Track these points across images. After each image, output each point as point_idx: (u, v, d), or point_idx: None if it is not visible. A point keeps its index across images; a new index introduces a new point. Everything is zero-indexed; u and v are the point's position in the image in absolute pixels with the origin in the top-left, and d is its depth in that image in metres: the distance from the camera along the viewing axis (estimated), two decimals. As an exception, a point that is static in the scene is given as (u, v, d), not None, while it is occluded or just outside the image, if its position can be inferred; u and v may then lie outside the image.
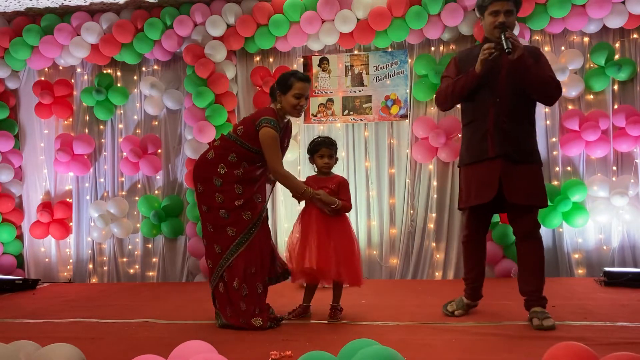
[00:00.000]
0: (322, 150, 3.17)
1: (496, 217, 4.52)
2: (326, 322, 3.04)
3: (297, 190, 3.02)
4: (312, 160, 3.25)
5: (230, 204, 2.99)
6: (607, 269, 4.15)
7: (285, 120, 3.16)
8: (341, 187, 3.16)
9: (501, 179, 2.83)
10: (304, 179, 3.28)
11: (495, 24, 2.79)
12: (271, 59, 5.16)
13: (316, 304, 3.25)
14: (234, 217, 3.00)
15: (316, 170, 3.26)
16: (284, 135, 3.15)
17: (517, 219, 2.92)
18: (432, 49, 4.89)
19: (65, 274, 5.44)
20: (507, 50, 2.69)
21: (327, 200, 3.01)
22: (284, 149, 3.15)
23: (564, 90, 4.57)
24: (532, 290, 2.85)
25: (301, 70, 5.05)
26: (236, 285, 2.95)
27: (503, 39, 2.71)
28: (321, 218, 3.08)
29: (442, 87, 3.06)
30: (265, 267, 3.09)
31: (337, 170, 4.89)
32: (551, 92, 2.84)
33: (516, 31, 4.42)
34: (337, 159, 3.28)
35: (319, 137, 3.30)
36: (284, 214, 5.07)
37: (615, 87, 4.65)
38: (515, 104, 2.83)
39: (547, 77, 2.81)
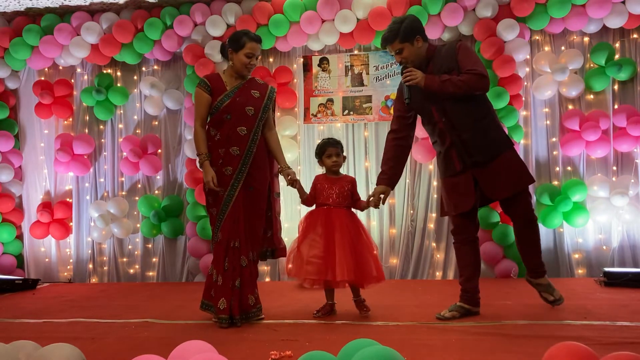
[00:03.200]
0: (329, 150, 3.23)
1: (496, 217, 4.52)
2: (328, 322, 3.04)
3: (197, 151, 3.15)
4: (321, 162, 3.31)
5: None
6: (607, 269, 4.15)
7: (241, 81, 3.18)
8: (353, 186, 3.25)
9: (477, 184, 2.98)
10: (304, 179, 3.31)
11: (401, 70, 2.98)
12: (271, 59, 5.15)
13: (318, 303, 3.25)
14: (211, 193, 3.12)
15: (325, 170, 3.32)
16: (241, 92, 3.14)
17: (510, 208, 3.05)
18: (432, 49, 4.89)
19: (65, 274, 5.44)
20: (406, 101, 2.94)
21: (207, 177, 3.06)
22: (237, 105, 3.10)
23: (564, 90, 4.60)
24: (539, 263, 3.11)
25: (301, 70, 5.06)
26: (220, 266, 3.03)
27: (404, 89, 2.96)
28: (326, 219, 3.13)
29: (386, 142, 3.20)
30: (250, 243, 3.11)
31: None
32: (477, 87, 2.87)
33: (515, 32, 4.44)
34: (345, 157, 3.33)
35: (322, 139, 3.37)
36: (284, 213, 5.05)
37: (616, 87, 4.65)
38: (460, 114, 2.93)
39: (465, 79, 2.83)
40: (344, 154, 3.35)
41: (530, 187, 4.59)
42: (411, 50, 2.96)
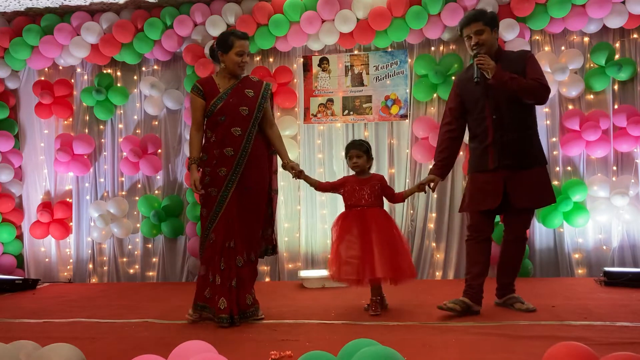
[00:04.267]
0: (351, 151, 3.34)
1: (496, 218, 4.51)
2: (328, 322, 3.04)
3: (189, 154, 3.20)
4: (349, 164, 3.40)
5: (202, 178, 3.17)
6: (607, 269, 4.15)
7: (235, 81, 3.20)
8: (383, 184, 3.33)
9: (505, 187, 3.05)
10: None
11: (472, 48, 3.04)
12: (271, 59, 5.15)
13: (318, 303, 3.24)
14: (204, 196, 3.15)
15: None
16: (234, 93, 3.16)
17: (513, 221, 3.19)
18: (432, 49, 4.89)
19: (65, 274, 5.44)
20: (475, 79, 2.96)
21: (190, 180, 3.15)
22: (231, 106, 3.11)
23: (564, 90, 4.60)
24: (511, 282, 3.24)
25: (301, 70, 5.06)
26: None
27: (475, 68, 2.98)
28: (361, 220, 3.19)
29: (439, 134, 3.31)
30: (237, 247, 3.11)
31: (338, 170, 4.94)
32: (538, 96, 3.00)
33: (515, 32, 4.45)
34: (370, 159, 3.38)
35: (352, 140, 3.51)
36: (284, 213, 5.07)
37: (616, 87, 4.65)
38: (511, 115, 3.03)
39: (531, 84, 2.95)
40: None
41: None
42: (490, 37, 3.05)
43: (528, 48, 4.60)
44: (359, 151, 3.30)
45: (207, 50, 4.83)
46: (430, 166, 4.79)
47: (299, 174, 3.24)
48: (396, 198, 3.39)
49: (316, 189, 3.42)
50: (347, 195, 3.31)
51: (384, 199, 3.35)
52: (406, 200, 4.81)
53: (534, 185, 3.06)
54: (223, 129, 3.10)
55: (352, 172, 3.42)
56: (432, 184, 3.23)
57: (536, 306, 3.13)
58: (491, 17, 3.09)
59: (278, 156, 3.33)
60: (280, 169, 3.38)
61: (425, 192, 3.34)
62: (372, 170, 4.88)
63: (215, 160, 3.10)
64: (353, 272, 3.10)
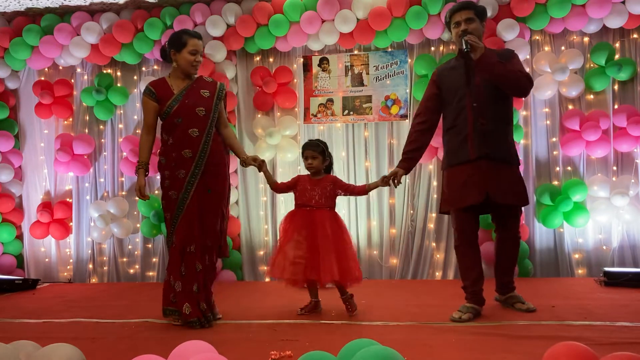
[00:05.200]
0: (305, 152, 3.30)
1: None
2: (328, 322, 3.04)
3: (138, 158, 3.15)
4: (305, 164, 3.35)
5: (161, 182, 3.15)
6: (607, 269, 4.16)
7: (189, 82, 3.15)
8: (337, 184, 3.28)
9: (486, 180, 2.96)
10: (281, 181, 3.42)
11: (459, 34, 2.99)
12: (271, 59, 5.15)
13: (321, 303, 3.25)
14: (165, 197, 3.11)
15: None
16: (189, 94, 3.11)
17: (503, 223, 3.15)
18: (432, 49, 4.89)
19: (65, 274, 5.44)
20: (465, 49, 2.89)
21: (136, 186, 3.13)
22: (187, 107, 3.07)
23: (564, 90, 4.60)
24: (509, 280, 3.20)
25: (301, 70, 5.06)
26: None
27: (463, 41, 2.91)
28: (309, 221, 3.16)
29: (410, 128, 3.26)
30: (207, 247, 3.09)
31: (338, 170, 4.93)
32: (521, 84, 2.94)
33: (515, 32, 4.44)
34: (326, 160, 3.31)
35: (309, 140, 3.42)
36: (284, 213, 5.05)
37: (616, 87, 4.65)
38: (492, 106, 2.98)
39: (516, 72, 2.93)
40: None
41: (531, 188, 4.67)
42: (478, 27, 3.04)
43: (528, 48, 4.61)
44: (314, 152, 3.25)
45: (212, 47, 4.84)
46: (431, 166, 4.82)
47: (261, 163, 3.18)
48: (357, 191, 3.32)
49: (272, 188, 3.41)
50: (298, 194, 3.29)
51: (349, 195, 3.33)
52: (406, 200, 4.85)
53: (513, 182, 3.04)
54: (180, 131, 3.05)
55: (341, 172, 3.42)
56: (395, 179, 3.14)
57: (536, 306, 3.13)
58: (482, 9, 3.10)
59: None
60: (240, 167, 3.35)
61: (390, 186, 3.24)
62: (372, 170, 4.94)
63: (173, 162, 3.05)
64: (300, 272, 3.09)
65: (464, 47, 2.89)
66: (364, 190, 3.34)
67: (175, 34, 3.17)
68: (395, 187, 3.20)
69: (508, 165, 3.03)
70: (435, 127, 3.21)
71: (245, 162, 3.20)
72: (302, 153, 3.33)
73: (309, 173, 3.35)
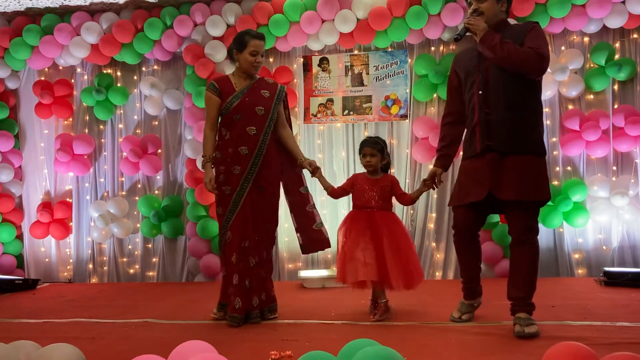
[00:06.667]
0: (364, 149, 3.18)
1: (496, 217, 4.51)
2: (328, 322, 3.04)
3: (204, 152, 3.19)
4: (362, 162, 3.25)
5: (216, 177, 3.16)
6: (607, 269, 4.15)
7: (250, 81, 3.20)
8: (395, 186, 3.19)
9: (490, 175, 2.68)
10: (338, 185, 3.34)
11: (470, 14, 2.76)
12: (271, 59, 5.15)
13: (318, 303, 3.24)
14: (218, 192, 3.13)
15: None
16: (250, 93, 3.15)
17: (511, 220, 2.74)
18: (432, 49, 4.89)
19: (65, 274, 5.44)
20: (455, 36, 2.75)
21: (206, 179, 3.11)
22: (247, 105, 3.11)
23: (564, 90, 4.60)
24: (520, 297, 2.68)
25: (301, 70, 5.06)
26: (234, 259, 3.05)
27: (462, 29, 2.74)
28: (371, 223, 3.07)
29: (441, 120, 3.07)
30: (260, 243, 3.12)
31: (338, 170, 4.94)
32: (531, 65, 2.61)
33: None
34: (384, 158, 3.21)
35: (367, 136, 3.29)
36: (284, 213, 5.06)
37: (616, 87, 4.65)
38: (500, 92, 2.69)
39: (524, 51, 2.60)
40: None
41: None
42: (492, 6, 2.72)
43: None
44: (373, 149, 3.13)
45: (212, 47, 4.85)
46: (431, 166, 4.82)
47: (315, 169, 3.19)
48: (405, 200, 3.19)
49: (328, 193, 3.28)
50: (356, 195, 3.18)
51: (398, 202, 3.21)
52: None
53: (522, 173, 2.62)
54: (238, 128, 3.11)
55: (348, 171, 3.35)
56: (435, 178, 3.00)
57: (536, 306, 3.07)
58: None
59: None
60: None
61: (434, 189, 3.10)
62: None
63: (229, 158, 3.10)
64: (371, 274, 2.96)
65: (457, 33, 2.73)
66: (410, 200, 3.19)
67: (238, 34, 3.20)
68: (437, 187, 3.07)
69: (519, 155, 2.64)
70: (462, 116, 2.91)
71: (301, 165, 3.25)
72: (360, 150, 3.20)
73: (365, 171, 3.24)
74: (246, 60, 3.13)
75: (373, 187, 3.14)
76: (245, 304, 3.03)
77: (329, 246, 3.29)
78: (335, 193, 3.28)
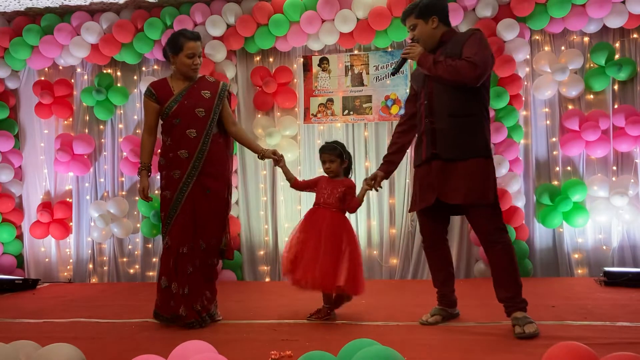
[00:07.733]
0: (323, 156, 3.19)
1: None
2: (328, 322, 3.04)
3: (140, 159, 3.16)
4: (323, 168, 3.24)
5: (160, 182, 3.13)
6: (607, 269, 4.16)
7: (190, 83, 3.10)
8: (347, 193, 3.14)
9: (436, 181, 2.78)
10: (302, 179, 3.29)
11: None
12: (271, 59, 5.16)
13: (318, 303, 3.24)
14: (161, 197, 3.09)
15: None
16: (189, 95, 3.06)
17: (474, 225, 2.80)
18: (432, 49, 4.89)
19: (65, 274, 5.44)
20: (392, 71, 2.98)
21: (139, 187, 3.12)
22: (186, 108, 3.03)
23: (564, 90, 4.60)
24: (509, 297, 2.71)
25: (301, 70, 5.06)
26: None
27: (399, 60, 2.94)
28: (326, 224, 3.06)
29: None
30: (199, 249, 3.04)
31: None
32: (463, 75, 2.66)
33: (515, 32, 4.45)
34: (344, 162, 3.20)
35: (325, 142, 3.28)
36: (284, 213, 5.07)
37: (616, 87, 4.65)
38: (445, 102, 2.76)
39: (455, 65, 2.66)
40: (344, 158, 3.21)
41: (530, 188, 4.67)
42: (424, 29, 2.83)
43: (528, 48, 4.61)
44: (331, 155, 3.13)
45: (212, 47, 4.84)
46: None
47: (279, 158, 3.13)
48: (351, 206, 3.15)
49: (291, 185, 3.27)
50: (317, 194, 3.21)
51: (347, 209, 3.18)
52: (406, 200, 4.84)
53: (467, 178, 2.69)
54: (178, 132, 3.02)
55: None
56: (374, 182, 3.04)
57: (536, 306, 3.08)
58: (424, 6, 2.81)
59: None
60: (259, 161, 3.29)
61: (377, 190, 3.14)
62: (373, 170, 4.85)
63: (170, 162, 3.04)
64: (303, 272, 2.99)
65: (394, 68, 2.97)
66: (357, 203, 3.16)
67: (172, 36, 3.07)
68: (377, 190, 3.13)
69: (465, 161, 2.72)
70: (414, 127, 3.02)
71: (263, 155, 3.16)
72: (320, 156, 3.19)
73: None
74: (183, 64, 3.02)
75: (330, 189, 3.14)
76: (189, 311, 2.94)
77: (231, 259, 3.28)
78: (298, 185, 3.30)
